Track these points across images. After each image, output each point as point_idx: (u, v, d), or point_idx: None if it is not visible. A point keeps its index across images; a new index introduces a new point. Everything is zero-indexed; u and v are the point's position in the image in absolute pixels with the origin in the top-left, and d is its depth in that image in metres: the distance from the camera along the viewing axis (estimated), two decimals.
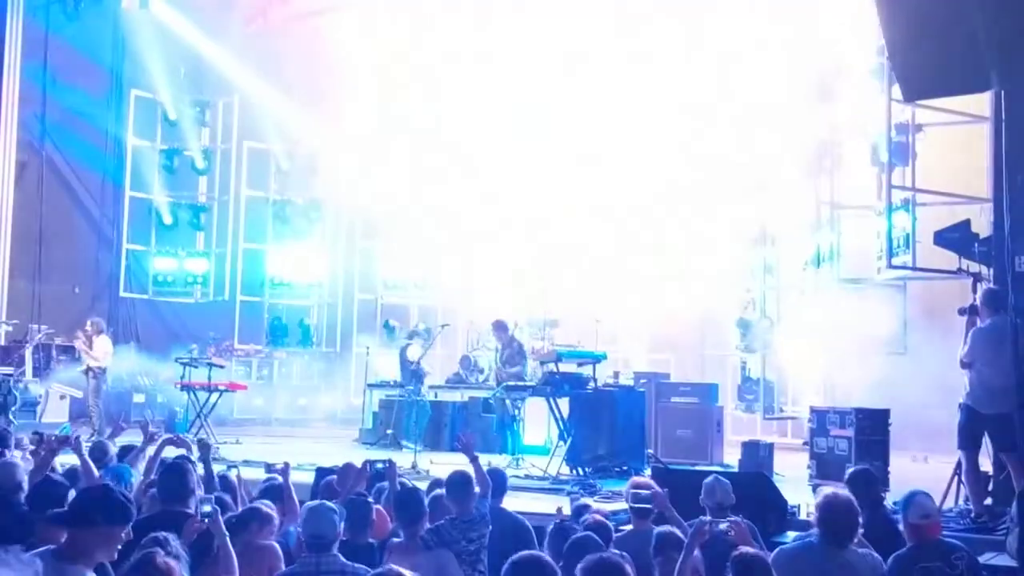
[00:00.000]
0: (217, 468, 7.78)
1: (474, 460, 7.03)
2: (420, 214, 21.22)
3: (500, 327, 13.97)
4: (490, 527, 6.40)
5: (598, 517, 6.51)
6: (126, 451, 8.35)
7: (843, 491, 5.94)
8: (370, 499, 6.42)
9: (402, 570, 4.11)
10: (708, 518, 5.50)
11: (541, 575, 4.33)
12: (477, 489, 6.53)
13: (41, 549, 4.56)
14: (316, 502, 5.79)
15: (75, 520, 4.53)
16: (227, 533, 5.32)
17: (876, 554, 5.57)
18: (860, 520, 5.58)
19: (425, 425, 14.58)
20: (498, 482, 7.14)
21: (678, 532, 5.73)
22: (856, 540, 5.54)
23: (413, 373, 14.74)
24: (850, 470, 7.78)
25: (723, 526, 5.37)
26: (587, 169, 20.50)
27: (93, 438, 12.64)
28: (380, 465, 7.51)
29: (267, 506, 6.15)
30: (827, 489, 5.99)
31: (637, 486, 6.74)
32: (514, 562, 4.32)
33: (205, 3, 19.51)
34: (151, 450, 7.90)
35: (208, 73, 20.22)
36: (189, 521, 5.48)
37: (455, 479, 6.56)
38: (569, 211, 20.71)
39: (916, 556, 5.73)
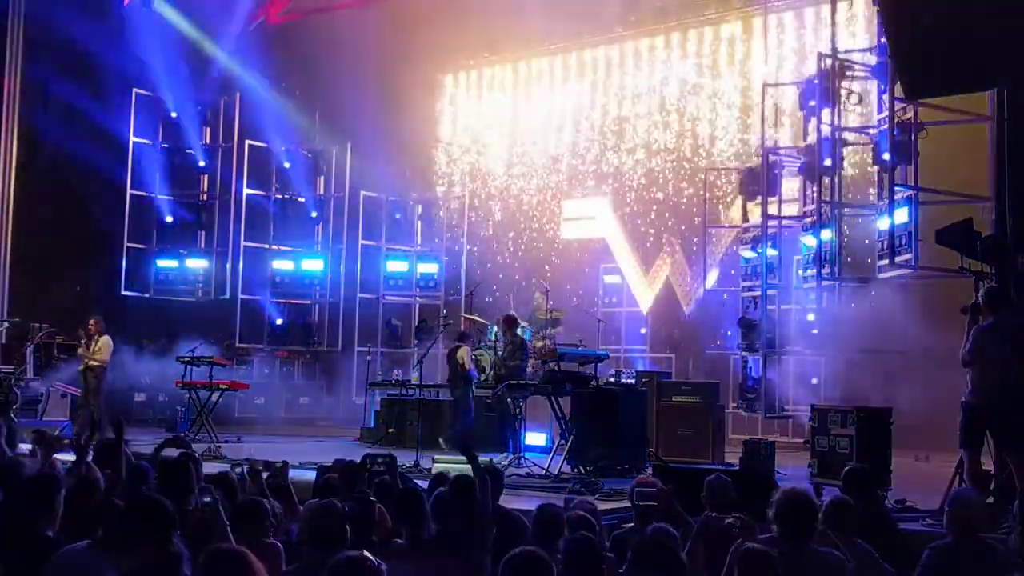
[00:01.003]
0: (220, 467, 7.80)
1: (472, 459, 7.00)
2: (423, 212, 21.30)
3: (509, 322, 13.92)
4: (494, 530, 6.36)
5: (580, 513, 6.47)
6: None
7: (801, 488, 5.88)
8: (372, 498, 6.41)
9: (368, 555, 4.09)
10: (713, 514, 5.48)
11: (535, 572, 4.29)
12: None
13: (82, 543, 4.65)
14: (322, 500, 5.77)
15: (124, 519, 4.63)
16: (228, 524, 5.32)
17: (839, 553, 5.46)
18: (818, 517, 5.50)
19: (469, 426, 14.43)
20: (496, 482, 7.10)
21: (670, 528, 5.71)
22: (815, 539, 5.46)
23: (463, 376, 14.60)
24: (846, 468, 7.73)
25: (728, 521, 5.35)
26: (590, 169, 20.57)
27: (95, 437, 12.65)
28: (380, 461, 7.51)
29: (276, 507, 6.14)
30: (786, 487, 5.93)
31: (643, 484, 6.72)
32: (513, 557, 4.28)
33: (207, 1, 19.52)
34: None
35: (210, 71, 20.23)
36: (190, 514, 5.49)
37: (459, 485, 6.52)
38: (571, 208, 20.79)
39: (956, 551, 5.66)
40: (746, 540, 5.04)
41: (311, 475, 9.10)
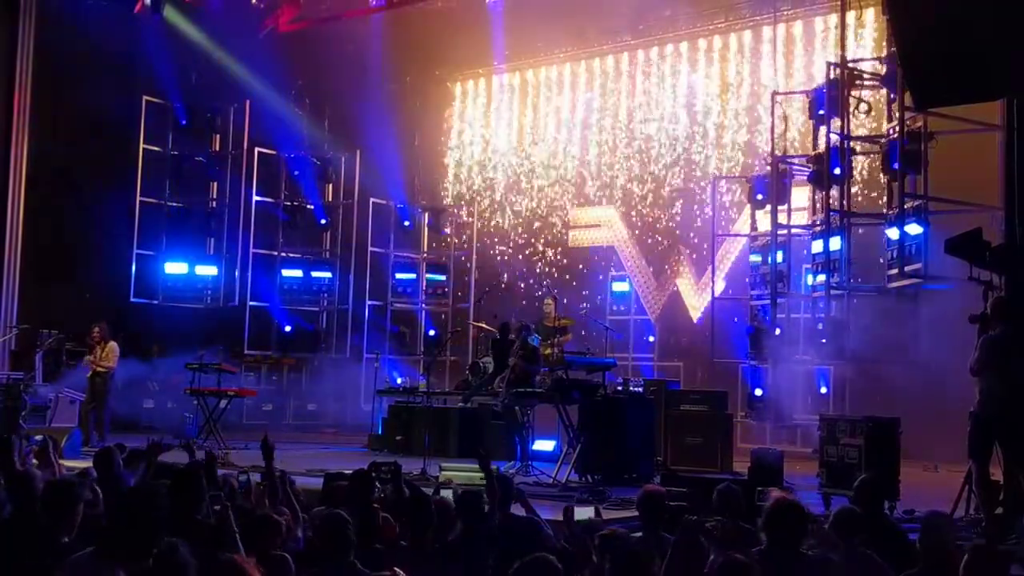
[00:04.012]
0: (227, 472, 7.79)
1: (487, 470, 7.03)
2: (431, 219, 21.33)
3: (525, 329, 13.91)
4: (498, 540, 6.36)
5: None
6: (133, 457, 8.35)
7: (789, 495, 5.89)
8: (376, 505, 6.41)
9: (399, 572, 4.10)
10: (694, 517, 5.50)
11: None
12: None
13: (87, 550, 4.70)
14: (331, 509, 5.77)
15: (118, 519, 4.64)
16: (236, 531, 5.33)
17: (833, 556, 5.47)
18: (807, 523, 5.51)
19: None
20: (504, 489, 7.11)
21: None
22: (807, 544, 5.46)
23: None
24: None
25: (709, 524, 5.37)
26: (598, 177, 20.57)
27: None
28: (385, 470, 7.52)
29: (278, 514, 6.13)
30: (776, 493, 5.93)
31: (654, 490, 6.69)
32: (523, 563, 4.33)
33: (217, 8, 19.58)
34: None
35: (219, 79, 20.28)
36: (200, 523, 5.49)
37: (464, 499, 6.52)
38: (580, 215, 20.79)
39: None
40: (726, 547, 5.07)
41: (318, 482, 9.11)
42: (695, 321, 18.74)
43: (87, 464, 9.46)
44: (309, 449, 15.55)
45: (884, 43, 14.56)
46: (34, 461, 8.19)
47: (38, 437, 10.03)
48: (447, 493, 8.23)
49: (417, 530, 6.16)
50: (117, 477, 7.41)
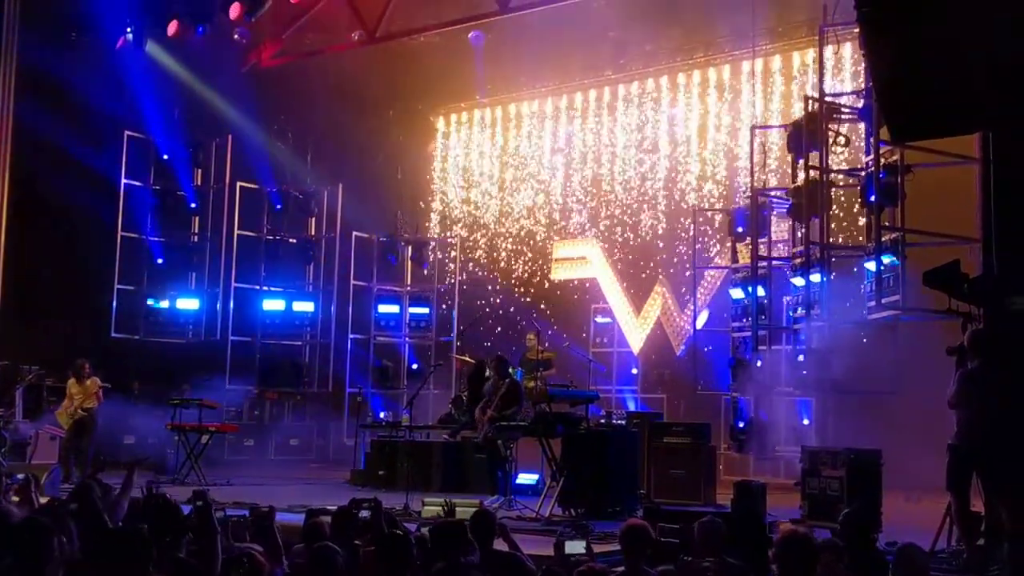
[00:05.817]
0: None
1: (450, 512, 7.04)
2: (414, 252, 21.33)
3: (502, 363, 13.87)
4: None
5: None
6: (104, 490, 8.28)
7: (802, 528, 5.91)
8: (357, 541, 6.38)
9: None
10: (688, 558, 5.52)
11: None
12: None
13: None
14: (311, 544, 5.74)
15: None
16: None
17: None
18: (818, 556, 5.53)
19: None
20: (486, 525, 7.07)
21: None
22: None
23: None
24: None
25: (704, 565, 5.38)
26: (580, 210, 20.66)
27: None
28: (366, 505, 7.50)
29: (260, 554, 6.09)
30: (786, 526, 5.94)
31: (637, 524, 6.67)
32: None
33: (199, 44, 19.64)
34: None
35: (202, 114, 20.32)
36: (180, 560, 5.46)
37: (440, 531, 6.50)
38: (562, 249, 20.86)
39: None
40: None
41: (299, 519, 9.04)
42: (678, 353, 18.79)
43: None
44: (291, 484, 15.46)
45: (861, 76, 14.71)
46: (14, 499, 8.11)
47: (20, 475, 9.94)
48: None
49: (396, 567, 6.12)
50: (96, 513, 7.33)
